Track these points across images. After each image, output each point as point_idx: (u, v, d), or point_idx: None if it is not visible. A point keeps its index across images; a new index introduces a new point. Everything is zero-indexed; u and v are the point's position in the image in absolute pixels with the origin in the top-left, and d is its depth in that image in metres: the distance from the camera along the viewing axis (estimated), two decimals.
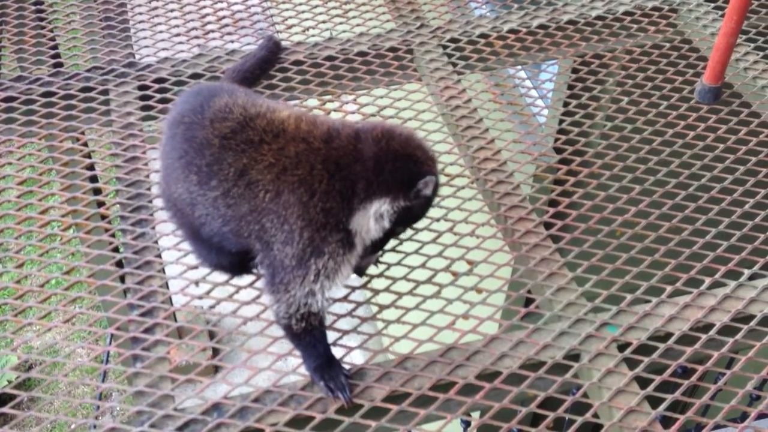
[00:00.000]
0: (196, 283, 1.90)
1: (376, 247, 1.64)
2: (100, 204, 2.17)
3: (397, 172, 1.51)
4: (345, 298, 1.86)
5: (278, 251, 1.51)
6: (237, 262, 1.71)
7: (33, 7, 2.72)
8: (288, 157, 1.51)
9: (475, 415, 1.71)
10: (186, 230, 1.73)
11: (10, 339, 1.82)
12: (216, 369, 5.17)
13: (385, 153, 1.51)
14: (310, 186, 1.49)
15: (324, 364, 1.61)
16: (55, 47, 2.63)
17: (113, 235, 1.97)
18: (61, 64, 2.57)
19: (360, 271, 1.81)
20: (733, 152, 2.23)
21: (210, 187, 1.56)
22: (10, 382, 5.07)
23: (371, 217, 1.52)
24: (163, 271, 1.95)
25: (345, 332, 1.79)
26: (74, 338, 5.75)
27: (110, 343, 1.66)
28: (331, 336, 1.74)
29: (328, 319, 1.79)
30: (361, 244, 1.56)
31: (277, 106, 1.61)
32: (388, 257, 1.91)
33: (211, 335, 4.45)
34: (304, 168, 1.50)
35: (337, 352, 1.69)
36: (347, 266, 1.54)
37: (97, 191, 2.21)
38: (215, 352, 4.90)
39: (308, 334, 1.57)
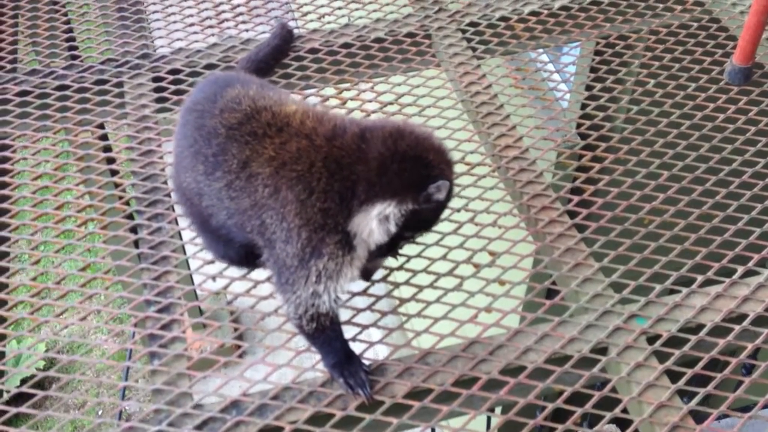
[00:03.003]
0: (213, 278, 1.87)
1: (385, 251, 1.55)
2: (118, 198, 2.14)
3: (405, 173, 1.43)
4: (365, 292, 1.82)
5: (280, 250, 1.46)
6: (246, 255, 1.67)
7: (46, 0, 2.69)
8: (289, 152, 1.46)
9: (498, 410, 1.67)
10: (195, 220, 1.70)
11: (27, 337, 1.80)
12: (240, 356, 5.18)
13: (391, 153, 1.43)
14: (308, 183, 1.43)
15: (343, 360, 1.57)
16: (69, 39, 2.61)
17: (132, 230, 1.95)
18: (75, 57, 2.54)
19: (366, 274, 1.73)
20: (765, 135, 2.15)
21: (215, 178, 1.52)
22: (24, 381, 5.11)
23: (374, 219, 1.44)
24: (188, 266, 1.93)
25: (365, 327, 1.75)
26: (96, 334, 5.79)
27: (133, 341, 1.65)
28: (350, 331, 1.71)
29: (348, 314, 1.75)
30: (363, 246, 1.48)
31: (285, 100, 1.56)
32: (408, 249, 1.86)
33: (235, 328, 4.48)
34: (303, 164, 1.44)
35: (357, 347, 1.65)
36: (349, 268, 1.47)
37: (114, 185, 2.18)
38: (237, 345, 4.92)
39: (321, 332, 1.53)
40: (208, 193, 1.55)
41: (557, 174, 2.12)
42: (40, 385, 5.11)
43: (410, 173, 1.43)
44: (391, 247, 1.55)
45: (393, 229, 1.45)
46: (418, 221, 1.49)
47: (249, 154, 1.48)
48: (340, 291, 1.48)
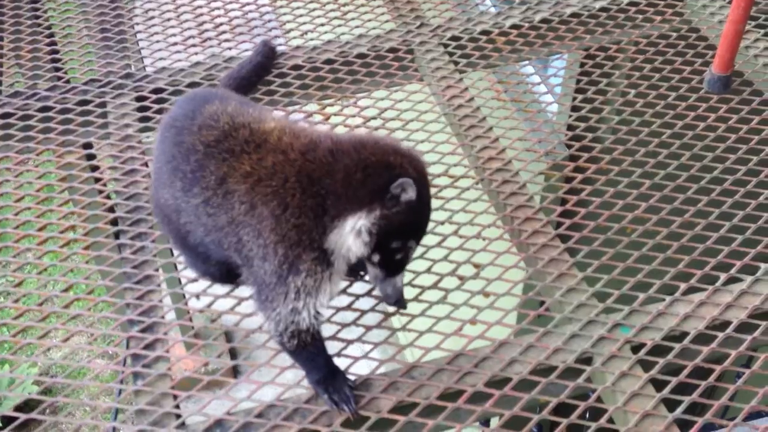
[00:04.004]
0: (197, 296, 1.86)
1: (390, 268, 1.52)
2: (102, 218, 2.14)
3: (368, 181, 1.40)
4: (349, 307, 1.82)
5: (258, 267, 1.46)
6: (225, 272, 1.66)
7: (29, 22, 2.70)
8: (264, 168, 1.45)
9: (495, 421, 1.66)
10: (174, 237, 1.69)
11: (14, 361, 1.78)
12: (235, 375, 5.15)
13: (354, 163, 1.41)
14: (283, 199, 1.42)
15: (327, 376, 1.57)
16: (53, 61, 2.61)
17: (116, 250, 1.94)
18: (60, 78, 2.54)
19: (388, 299, 1.60)
20: (745, 142, 2.16)
21: (192, 194, 1.52)
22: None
23: (349, 235, 1.42)
24: (179, 282, 1.90)
25: (349, 342, 1.74)
26: (89, 356, 5.74)
27: (124, 364, 1.63)
28: (335, 346, 1.70)
29: (333, 329, 1.75)
30: (342, 262, 1.47)
31: (264, 117, 1.56)
32: None
33: (228, 337, 4.45)
34: (278, 180, 1.43)
35: (342, 362, 1.65)
36: (328, 283, 1.46)
37: (99, 205, 2.17)
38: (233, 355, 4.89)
39: (303, 349, 1.52)
40: (186, 210, 1.55)
41: (541, 185, 2.13)
42: (32, 408, 5.07)
43: (372, 179, 1.40)
44: (390, 263, 1.50)
45: (367, 238, 1.43)
46: (399, 227, 1.44)
47: (226, 170, 1.48)
48: (320, 307, 1.47)
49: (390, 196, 1.40)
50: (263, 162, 1.46)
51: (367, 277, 1.82)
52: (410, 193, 1.40)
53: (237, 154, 1.48)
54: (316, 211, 1.42)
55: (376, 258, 1.49)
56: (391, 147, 1.45)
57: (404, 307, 1.68)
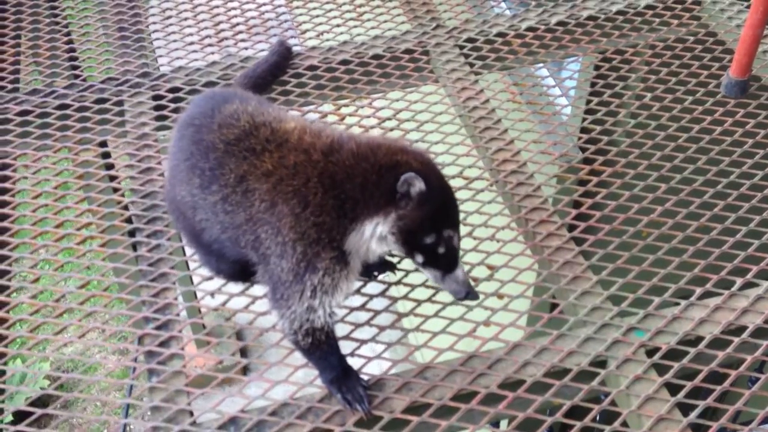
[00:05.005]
0: (212, 294, 1.87)
1: (446, 264, 1.49)
2: (119, 215, 2.15)
3: (381, 183, 1.41)
4: (363, 307, 1.82)
5: (275, 265, 1.46)
6: (238, 270, 1.67)
7: (47, 20, 2.72)
8: (286, 167, 1.46)
9: (504, 424, 1.66)
10: (188, 234, 1.70)
11: (29, 356, 1.80)
12: (245, 374, 5.17)
13: (371, 167, 1.42)
14: (304, 197, 1.43)
15: (340, 375, 1.57)
16: (71, 59, 2.63)
17: (132, 247, 1.95)
18: (77, 76, 2.56)
19: (458, 294, 1.54)
20: (762, 147, 2.15)
21: (211, 192, 1.53)
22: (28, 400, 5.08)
23: (371, 240, 1.43)
24: (191, 281, 1.91)
25: (363, 342, 1.75)
26: (101, 352, 5.78)
27: (136, 360, 1.65)
28: (348, 346, 1.70)
29: (346, 329, 1.75)
30: (358, 262, 1.48)
31: (284, 117, 1.57)
32: (406, 264, 1.86)
33: (234, 344, 4.47)
34: (300, 179, 1.44)
35: (355, 362, 1.65)
36: (345, 282, 1.47)
37: (115, 203, 2.18)
38: (243, 354, 4.91)
39: (317, 348, 1.52)
40: (203, 207, 1.56)
41: (556, 187, 2.12)
42: (44, 403, 5.10)
43: (384, 180, 1.41)
44: (437, 259, 1.48)
45: (393, 240, 1.44)
46: (424, 221, 1.43)
47: (246, 168, 1.49)
48: (336, 305, 1.48)
49: (399, 195, 1.41)
50: (285, 161, 1.47)
51: (381, 277, 1.84)
52: (418, 185, 1.40)
53: (258, 152, 1.49)
54: (338, 212, 1.42)
55: (420, 259, 1.49)
56: (398, 147, 1.46)
57: (477, 298, 1.59)
